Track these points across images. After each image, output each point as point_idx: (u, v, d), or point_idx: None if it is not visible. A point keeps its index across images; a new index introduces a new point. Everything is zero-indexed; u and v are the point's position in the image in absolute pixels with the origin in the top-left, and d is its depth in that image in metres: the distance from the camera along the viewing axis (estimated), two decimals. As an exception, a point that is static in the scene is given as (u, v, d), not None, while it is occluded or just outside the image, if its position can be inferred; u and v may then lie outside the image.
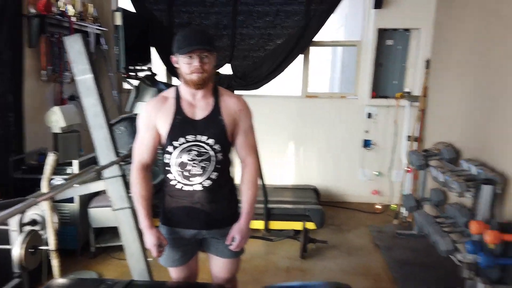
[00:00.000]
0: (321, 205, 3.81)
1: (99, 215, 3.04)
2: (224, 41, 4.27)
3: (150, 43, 4.24)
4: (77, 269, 2.99)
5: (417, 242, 3.48)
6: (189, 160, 1.59)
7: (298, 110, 4.48)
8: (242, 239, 1.69)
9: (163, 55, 4.34)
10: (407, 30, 4.20)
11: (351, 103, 4.43)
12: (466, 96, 3.18)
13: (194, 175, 1.60)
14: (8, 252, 2.17)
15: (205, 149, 1.59)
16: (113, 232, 3.10)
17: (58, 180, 2.84)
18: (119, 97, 4.29)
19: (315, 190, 4.26)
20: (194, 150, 1.58)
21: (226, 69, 4.39)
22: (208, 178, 1.62)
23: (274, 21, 4.17)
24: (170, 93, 1.65)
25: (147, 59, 4.16)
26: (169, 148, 1.60)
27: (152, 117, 1.60)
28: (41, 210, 2.20)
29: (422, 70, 4.02)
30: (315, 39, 4.22)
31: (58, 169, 3.03)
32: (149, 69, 4.02)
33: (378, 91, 4.33)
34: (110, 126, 2.11)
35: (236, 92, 4.38)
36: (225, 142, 1.65)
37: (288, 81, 5.11)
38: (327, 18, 4.10)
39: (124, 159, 2.13)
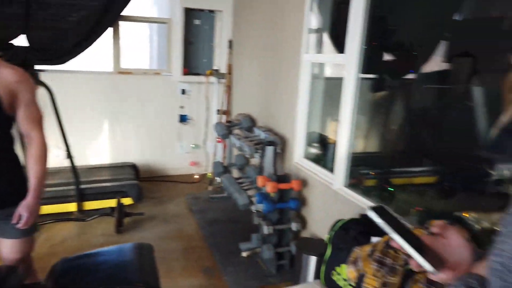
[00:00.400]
0: (141, 181, 3.87)
1: None
2: (14, 8, 3.77)
3: None
4: None
5: (227, 203, 3.91)
6: None
7: (111, 87, 4.35)
8: (30, 216, 1.62)
9: None
10: (212, 11, 4.53)
11: (165, 79, 4.55)
12: (258, 74, 3.69)
13: None
14: None
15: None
16: None
17: None
18: None
19: (133, 167, 4.27)
20: None
21: (22, 41, 3.90)
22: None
23: (76, -10, 3.90)
24: None
25: None
26: None
27: None
28: None
29: (226, 49, 4.43)
30: (126, 13, 4.14)
31: None
32: None
33: (190, 68, 4.57)
34: None
35: (37, 67, 3.98)
36: (1, 117, 1.54)
37: (102, 56, 4.86)
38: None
39: None
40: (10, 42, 3.83)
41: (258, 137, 3.28)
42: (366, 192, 2.36)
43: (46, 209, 3.32)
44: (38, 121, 1.67)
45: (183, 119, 4.68)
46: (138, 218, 3.47)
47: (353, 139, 2.39)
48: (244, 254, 2.90)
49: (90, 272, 1.55)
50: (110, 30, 4.18)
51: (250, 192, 3.15)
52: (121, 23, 4.27)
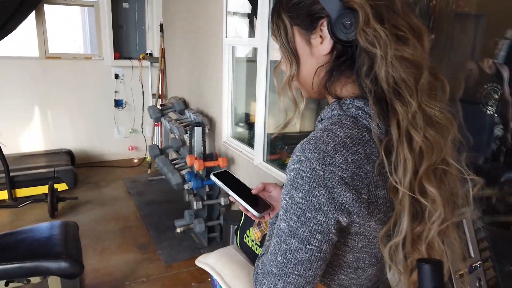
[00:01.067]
0: (77, 167, 3.88)
1: None
2: None
3: None
4: None
5: (165, 185, 4.03)
6: None
7: (39, 72, 4.25)
8: None
9: None
10: (141, -6, 4.53)
11: (97, 64, 4.50)
12: (188, 57, 3.80)
13: None
14: None
15: None
16: None
17: None
18: None
19: (68, 153, 4.25)
20: None
21: None
22: None
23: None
24: None
25: None
26: None
27: None
28: None
29: (158, 33, 4.47)
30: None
31: None
32: None
33: (122, 53, 4.56)
34: None
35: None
36: None
37: (28, 41, 4.69)
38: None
39: None
40: None
41: (188, 119, 3.42)
42: (283, 166, 2.60)
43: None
44: None
45: (118, 104, 4.69)
46: (73, 202, 3.51)
47: (268, 117, 2.61)
48: (179, 230, 3.07)
49: (8, 248, 1.65)
50: (33, 14, 4.07)
51: (184, 172, 3.31)
52: (45, 6, 4.15)
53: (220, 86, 3.14)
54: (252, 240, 1.91)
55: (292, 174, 0.63)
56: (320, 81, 0.70)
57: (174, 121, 3.35)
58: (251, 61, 3.18)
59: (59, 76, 4.34)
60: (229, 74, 3.07)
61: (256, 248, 1.83)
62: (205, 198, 2.96)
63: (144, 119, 4.76)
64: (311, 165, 0.60)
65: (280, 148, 2.82)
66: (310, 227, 0.62)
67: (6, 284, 1.63)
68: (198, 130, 3.09)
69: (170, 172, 3.22)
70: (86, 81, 4.48)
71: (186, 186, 3.10)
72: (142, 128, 4.80)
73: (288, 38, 0.70)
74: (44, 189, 3.58)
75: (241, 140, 3.13)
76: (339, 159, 0.60)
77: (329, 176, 0.60)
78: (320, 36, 0.66)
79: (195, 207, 2.85)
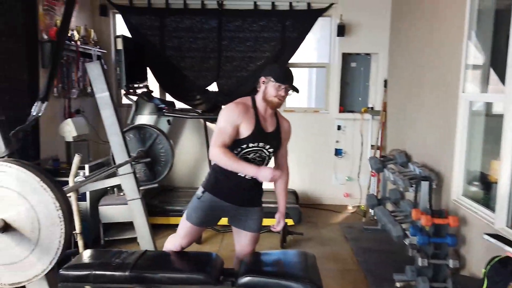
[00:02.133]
0: (300, 205, 4.38)
1: (108, 212, 3.52)
2: (211, 62, 4.85)
3: (145, 63, 4.78)
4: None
5: (381, 234, 4.06)
6: (252, 158, 2.11)
7: (277, 123, 5.06)
8: (283, 222, 2.37)
9: (157, 74, 4.89)
10: (368, 54, 4.89)
11: (323, 116, 5.05)
12: (413, 111, 3.84)
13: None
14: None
15: (265, 154, 2.15)
16: (120, 227, 3.59)
17: (79, 178, 3.35)
18: (119, 111, 4.79)
19: (294, 193, 4.82)
20: (258, 152, 2.12)
21: (213, 87, 4.96)
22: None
23: (254, 46, 4.79)
24: (248, 102, 2.11)
25: (143, 78, 4.70)
26: (243, 145, 2.07)
27: (238, 119, 2.03)
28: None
29: (381, 88, 4.69)
30: (291, 61, 4.85)
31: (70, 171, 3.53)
32: (146, 87, 4.56)
33: (345, 106, 4.98)
34: (123, 133, 2.63)
35: (224, 107, 4.97)
36: (276, 151, 2.27)
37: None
38: (299, 44, 4.75)
39: (134, 160, 2.65)
40: (206, 88, 4.93)
41: (412, 172, 3.41)
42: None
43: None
44: (287, 157, 2.42)
45: (338, 152, 5.07)
46: (298, 237, 3.94)
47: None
48: (398, 284, 3.02)
49: (269, 265, 2.04)
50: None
51: (404, 226, 3.28)
52: (288, 69, 4.99)
53: (452, 141, 3.04)
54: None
55: None
56: None
57: (398, 173, 3.41)
58: (491, 115, 2.98)
59: (292, 127, 5.03)
60: (463, 130, 2.95)
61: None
62: (430, 256, 2.84)
63: (361, 168, 4.97)
64: None
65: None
66: None
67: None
68: (424, 185, 3.05)
69: (391, 223, 3.25)
70: (313, 131, 5.06)
71: (408, 240, 3.06)
72: (358, 177, 5.01)
73: None
74: (274, 221, 4.16)
75: (475, 200, 2.90)
76: None
77: None
78: None
79: (419, 264, 2.77)
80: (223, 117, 2.05)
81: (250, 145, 2.09)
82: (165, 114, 4.17)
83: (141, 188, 2.58)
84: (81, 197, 3.50)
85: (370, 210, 4.58)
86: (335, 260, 3.53)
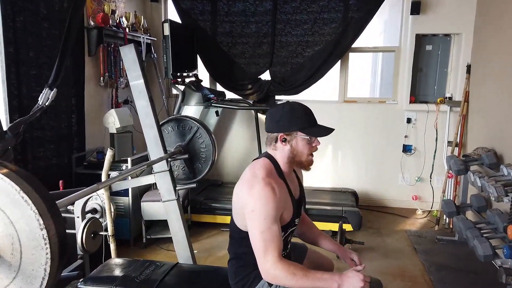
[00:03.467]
0: (360, 208, 3.87)
1: (150, 209, 3.30)
2: (264, 48, 4.45)
3: (195, 51, 4.51)
4: (130, 257, 3.26)
5: (458, 248, 3.44)
6: (290, 240, 1.62)
7: (336, 115, 4.56)
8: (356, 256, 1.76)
9: (207, 62, 4.59)
10: (447, 35, 4.17)
11: (390, 108, 4.44)
12: (504, 102, 3.13)
13: (288, 247, 1.64)
14: (73, 236, 2.46)
15: (297, 224, 1.64)
16: (162, 225, 3.36)
17: (114, 174, 3.15)
18: (167, 102, 4.59)
19: (353, 194, 4.31)
20: (294, 229, 1.63)
21: (266, 75, 4.57)
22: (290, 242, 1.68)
23: (312, 29, 4.30)
24: (273, 171, 1.51)
25: (193, 66, 4.43)
26: (282, 234, 1.48)
27: (280, 206, 1.44)
28: (100, 200, 2.48)
29: (463, 75, 3.98)
30: (354, 45, 4.29)
31: (114, 165, 3.34)
32: (195, 76, 4.28)
33: (417, 96, 4.32)
34: (159, 126, 2.33)
35: (277, 97, 4.57)
36: None
37: (327, 86, 5.18)
38: (365, 25, 4.16)
39: (172, 156, 2.35)
40: (258, 76, 4.54)
41: (506, 177, 2.76)
42: None
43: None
44: None
45: (407, 149, 4.45)
46: (357, 246, 3.44)
47: None
48: (485, 315, 2.45)
49: None
50: (338, 62, 4.42)
51: (493, 242, 2.66)
52: (350, 54, 4.45)
53: None
54: None
55: None
56: None
57: (487, 177, 2.78)
58: None
59: (352, 119, 4.52)
60: None
61: None
62: (534, 286, 2.23)
63: (434, 168, 4.31)
64: None
65: None
66: None
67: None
68: (526, 194, 2.42)
69: (477, 239, 2.65)
70: (377, 124, 4.48)
71: (499, 262, 2.46)
72: (430, 178, 4.36)
73: None
74: (330, 226, 3.71)
75: None
76: None
77: None
78: None
79: (517, 295, 2.18)
80: (262, 212, 1.38)
81: (289, 229, 1.56)
82: (213, 105, 3.86)
83: (177, 188, 2.27)
84: (123, 192, 3.33)
85: (446, 218, 3.94)
86: (402, 278, 3.00)
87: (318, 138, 1.53)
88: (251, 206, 1.41)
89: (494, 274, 2.94)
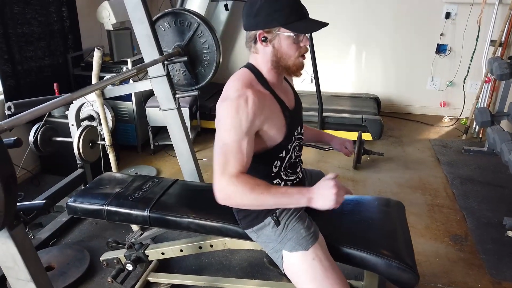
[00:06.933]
0: (381, 116, 3.57)
1: (155, 115, 3.10)
2: None
3: None
4: (138, 164, 3.18)
5: (486, 159, 3.20)
6: (296, 158, 1.37)
7: (362, 8, 3.98)
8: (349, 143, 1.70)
9: None
10: None
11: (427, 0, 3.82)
12: None
13: (297, 171, 1.40)
14: (71, 145, 2.30)
15: (302, 138, 1.40)
16: (169, 131, 3.17)
17: (108, 76, 2.88)
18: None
19: (376, 100, 3.97)
20: (297, 145, 1.37)
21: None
22: (300, 165, 1.45)
23: None
24: (253, 82, 1.22)
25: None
26: (282, 153, 1.29)
27: (261, 120, 1.18)
28: (96, 107, 2.25)
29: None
30: None
31: (114, 67, 3.06)
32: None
33: (463, -15, 3.67)
34: (152, 22, 1.97)
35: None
36: None
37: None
38: None
39: (169, 58, 2.02)
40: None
41: (561, 84, 2.36)
42: None
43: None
44: None
45: (441, 49, 3.95)
46: (376, 157, 3.24)
47: None
48: (510, 233, 2.29)
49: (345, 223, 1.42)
50: None
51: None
52: None
53: None
54: None
55: None
56: None
57: (538, 84, 2.38)
58: None
59: (382, 13, 3.96)
60: None
61: None
62: None
63: (470, 71, 3.86)
64: None
65: None
66: None
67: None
68: None
69: (513, 154, 2.37)
70: (409, 20, 3.92)
71: (537, 179, 2.22)
72: (464, 83, 3.93)
73: None
74: (349, 135, 3.46)
75: None
76: None
77: None
78: None
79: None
80: (228, 124, 1.14)
81: (290, 146, 1.30)
82: (222, -4, 3.35)
83: (177, 96, 2.00)
84: (126, 96, 3.10)
85: (475, 126, 3.63)
86: (423, 190, 2.82)
87: (310, 37, 1.24)
88: (218, 117, 1.18)
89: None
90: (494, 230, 2.34)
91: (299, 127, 1.38)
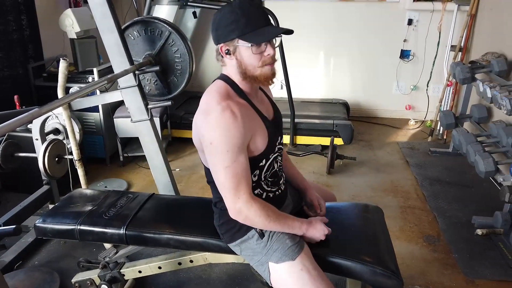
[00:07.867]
0: (351, 120, 3.64)
1: (124, 125, 3.00)
2: None
3: None
4: (108, 177, 3.05)
5: (452, 160, 3.32)
6: (278, 168, 1.35)
7: (331, 16, 4.05)
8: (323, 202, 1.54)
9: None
10: None
11: (391, 7, 3.95)
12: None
13: (279, 183, 1.38)
14: (35, 160, 2.17)
15: (282, 148, 1.40)
16: (140, 142, 3.07)
17: (75, 88, 2.76)
18: (137, 1, 3.96)
19: (345, 105, 4.04)
20: (279, 154, 1.36)
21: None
22: (283, 176, 1.42)
23: None
24: (230, 93, 1.21)
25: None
26: (262, 162, 1.27)
27: (248, 132, 1.17)
28: (63, 119, 2.14)
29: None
30: None
31: (79, 77, 2.94)
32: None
33: (423, -7, 3.82)
34: (121, 30, 1.90)
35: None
36: None
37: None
38: None
39: (140, 68, 1.96)
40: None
41: (519, 87, 2.49)
42: None
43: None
44: None
45: (404, 54, 4.09)
46: (347, 162, 3.28)
47: None
48: (480, 232, 2.37)
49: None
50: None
51: (494, 157, 2.50)
52: None
53: None
54: None
55: None
56: None
57: (499, 87, 2.50)
58: None
59: (349, 21, 4.05)
60: None
61: None
62: (537, 205, 2.11)
63: (432, 76, 4.01)
64: None
65: None
66: None
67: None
68: (542, 107, 2.17)
69: (479, 155, 2.47)
70: (374, 27, 4.03)
71: (502, 179, 2.32)
72: (427, 87, 4.08)
73: None
74: (321, 140, 3.52)
75: None
76: None
77: None
78: None
79: (519, 214, 2.07)
80: (223, 143, 1.13)
81: (271, 155, 1.30)
82: (190, 4, 3.30)
83: (150, 106, 1.93)
84: (92, 108, 2.98)
85: (439, 128, 3.77)
86: (394, 193, 2.89)
87: (274, 44, 1.18)
88: (209, 137, 1.15)
89: (488, 187, 2.88)
90: (465, 229, 2.43)
91: (279, 136, 1.37)
